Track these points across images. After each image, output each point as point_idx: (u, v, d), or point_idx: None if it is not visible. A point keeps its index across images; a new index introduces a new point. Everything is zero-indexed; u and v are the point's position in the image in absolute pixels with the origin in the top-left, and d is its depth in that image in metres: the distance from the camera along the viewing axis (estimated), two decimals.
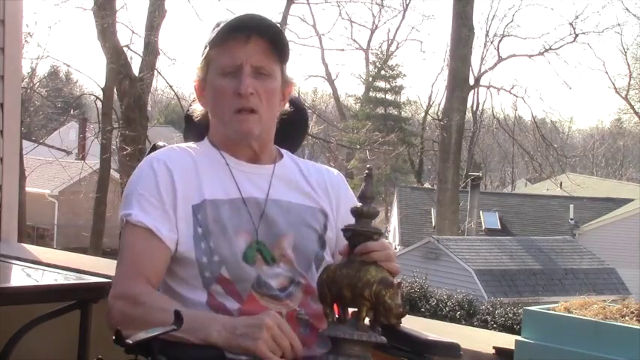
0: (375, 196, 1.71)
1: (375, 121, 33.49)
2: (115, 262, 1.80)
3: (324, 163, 2.14)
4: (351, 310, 1.67)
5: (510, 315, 14.19)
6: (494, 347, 2.35)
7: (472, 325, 13.26)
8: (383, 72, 38.13)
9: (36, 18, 39.84)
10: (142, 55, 16.56)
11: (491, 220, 26.76)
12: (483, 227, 26.22)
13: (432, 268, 19.54)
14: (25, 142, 16.79)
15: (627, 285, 20.00)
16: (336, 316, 1.69)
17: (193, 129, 2.00)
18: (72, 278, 2.76)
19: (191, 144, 1.91)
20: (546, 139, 26.12)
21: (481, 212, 26.07)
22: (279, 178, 1.89)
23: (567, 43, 27.59)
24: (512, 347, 2.19)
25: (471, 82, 26.48)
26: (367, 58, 38.73)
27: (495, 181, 47.74)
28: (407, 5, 33.64)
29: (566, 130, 47.10)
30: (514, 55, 30.43)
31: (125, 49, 16.46)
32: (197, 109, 1.94)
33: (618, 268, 20.92)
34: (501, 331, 12.06)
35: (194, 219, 1.77)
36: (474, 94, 31.80)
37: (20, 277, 2.93)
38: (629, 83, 34.42)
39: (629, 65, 34.64)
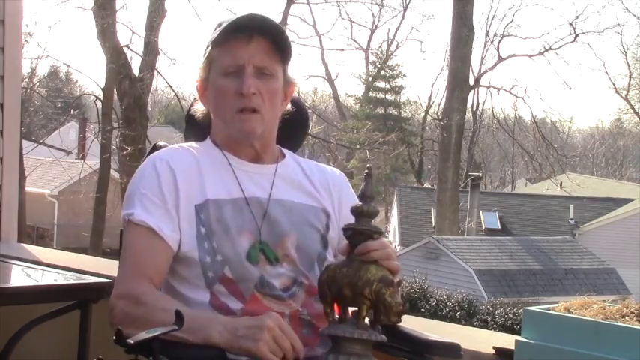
0: (374, 195, 1.71)
1: (375, 121, 33.50)
2: (115, 262, 1.81)
3: (324, 163, 2.13)
4: (351, 309, 1.67)
5: (510, 315, 14.19)
6: (494, 347, 2.35)
7: (472, 325, 13.26)
8: (383, 72, 38.13)
9: (36, 18, 39.86)
10: (142, 55, 16.56)
11: (491, 220, 26.76)
12: (483, 227, 26.22)
13: (432, 268, 19.54)
14: (25, 142, 16.80)
15: (627, 285, 20.00)
16: (337, 315, 1.69)
17: (194, 129, 2.00)
18: (72, 278, 2.76)
19: (193, 144, 1.91)
20: (546, 139, 26.11)
21: (481, 212, 26.07)
22: (282, 178, 1.89)
23: (567, 43, 27.61)
24: (512, 347, 2.19)
25: (471, 82, 26.47)
26: (367, 58, 38.78)
27: (495, 181, 47.75)
28: (407, 5, 33.67)
29: (566, 130, 47.13)
30: (514, 55, 30.44)
31: (125, 49, 16.47)
32: (199, 109, 1.94)
33: (618, 268, 20.92)
34: (501, 331, 12.06)
35: (197, 219, 1.77)
36: (474, 94, 31.84)
37: (20, 277, 2.93)
38: (629, 83, 34.45)
39: (629, 65, 34.69)
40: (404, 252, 21.43)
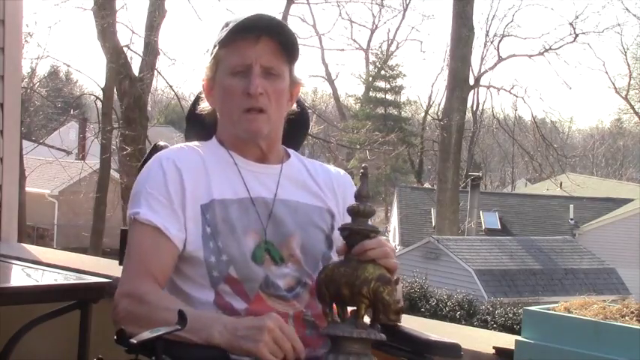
0: (370, 194, 1.72)
1: (375, 121, 33.52)
2: (115, 261, 1.81)
3: (324, 163, 2.14)
4: (350, 308, 1.67)
5: (510, 315, 14.19)
6: (494, 347, 2.35)
7: (472, 325, 13.26)
8: (383, 72, 38.16)
9: (36, 18, 39.85)
10: (142, 55, 16.55)
11: (491, 220, 26.76)
12: (483, 227, 26.23)
13: (432, 268, 19.55)
14: (25, 142, 16.81)
15: (627, 285, 20.01)
16: (335, 315, 1.69)
17: (194, 129, 2.00)
18: (72, 278, 2.76)
19: (199, 143, 1.91)
20: (546, 139, 26.10)
21: (481, 212, 26.08)
22: (287, 178, 1.90)
23: (567, 43, 27.64)
24: (512, 347, 2.19)
25: (471, 82, 26.48)
26: (367, 58, 38.80)
27: (495, 181, 47.77)
28: (407, 5, 33.69)
29: (566, 130, 47.16)
30: (514, 55, 30.47)
31: (125, 49, 16.45)
32: (205, 108, 1.94)
33: (618, 268, 20.93)
34: (501, 331, 12.05)
35: (203, 218, 1.77)
36: (474, 94, 31.89)
37: (20, 277, 2.93)
38: (629, 83, 34.46)
39: (629, 65, 34.71)
40: (404, 252, 21.44)
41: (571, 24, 27.32)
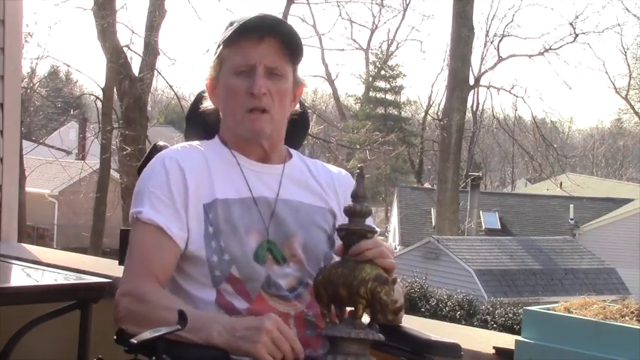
0: (367, 194, 1.72)
1: (375, 121, 33.51)
2: (115, 261, 1.81)
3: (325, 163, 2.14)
4: (348, 309, 1.67)
5: (510, 315, 14.18)
6: (494, 347, 2.35)
7: (472, 325, 13.25)
8: (383, 72, 38.16)
9: (36, 18, 39.81)
10: (142, 55, 16.55)
11: (491, 220, 26.76)
12: (483, 227, 26.23)
13: (432, 268, 19.54)
14: (25, 142, 16.81)
15: (627, 285, 20.01)
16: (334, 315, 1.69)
17: (195, 129, 2.00)
18: (72, 278, 2.76)
19: (202, 142, 1.91)
20: (546, 139, 26.11)
21: (481, 212, 26.08)
22: (289, 178, 1.90)
23: (567, 43, 27.62)
24: (512, 347, 2.19)
25: (471, 82, 26.48)
26: (367, 58, 38.79)
27: (495, 181, 47.75)
28: (407, 5, 33.65)
29: (566, 130, 47.14)
30: (514, 55, 30.45)
31: (125, 49, 16.46)
32: (208, 107, 1.94)
33: (618, 268, 20.93)
34: (501, 331, 12.05)
35: (205, 218, 1.77)
36: (474, 94, 31.86)
37: (20, 277, 2.93)
38: (629, 83, 34.46)
39: (629, 65, 34.70)
40: (404, 252, 21.44)
41: (571, 24, 27.34)
